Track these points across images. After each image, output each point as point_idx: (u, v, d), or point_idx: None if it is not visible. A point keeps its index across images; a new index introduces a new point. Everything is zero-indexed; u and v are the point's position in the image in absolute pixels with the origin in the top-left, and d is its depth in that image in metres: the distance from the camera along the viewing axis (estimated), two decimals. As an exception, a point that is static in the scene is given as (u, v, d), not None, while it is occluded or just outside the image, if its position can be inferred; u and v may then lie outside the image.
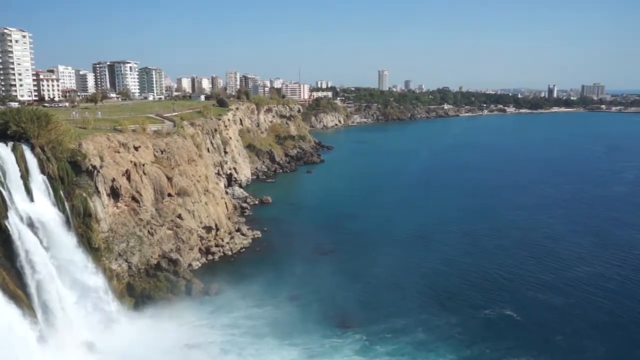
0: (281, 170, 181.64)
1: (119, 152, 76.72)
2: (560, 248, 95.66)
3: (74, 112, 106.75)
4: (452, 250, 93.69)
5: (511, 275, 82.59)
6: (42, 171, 61.63)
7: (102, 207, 69.95)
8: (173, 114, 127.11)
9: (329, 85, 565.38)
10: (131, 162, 77.98)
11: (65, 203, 63.54)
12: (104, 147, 74.87)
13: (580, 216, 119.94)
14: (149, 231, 77.85)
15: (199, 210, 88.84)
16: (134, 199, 76.96)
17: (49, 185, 61.53)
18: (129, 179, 76.85)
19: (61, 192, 62.97)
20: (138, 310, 67.43)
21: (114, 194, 73.38)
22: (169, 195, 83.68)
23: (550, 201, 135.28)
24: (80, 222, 66.16)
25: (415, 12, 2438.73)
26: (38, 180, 60.47)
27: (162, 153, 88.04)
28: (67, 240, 60.49)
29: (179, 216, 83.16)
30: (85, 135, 75.50)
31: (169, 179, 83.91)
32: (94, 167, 69.01)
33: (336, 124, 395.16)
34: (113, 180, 71.85)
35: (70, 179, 66.33)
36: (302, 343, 61.71)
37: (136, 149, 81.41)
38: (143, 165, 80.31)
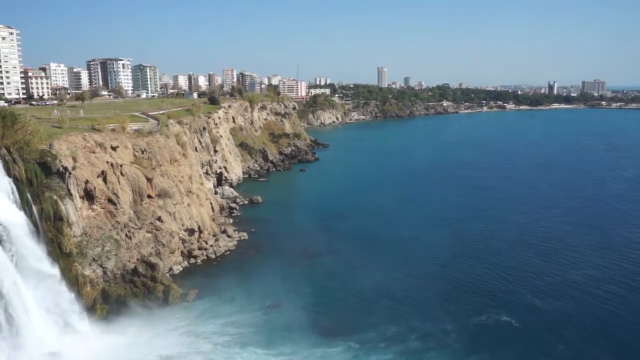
0: (274, 169, 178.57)
1: (94, 153, 73.71)
2: (558, 249, 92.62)
3: (55, 111, 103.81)
4: (446, 253, 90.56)
5: (508, 278, 79.53)
6: (8, 173, 58.60)
7: (75, 210, 66.97)
8: (160, 112, 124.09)
9: (328, 82, 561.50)
10: (108, 162, 74.95)
11: (33, 206, 60.56)
12: (79, 147, 71.90)
13: (579, 215, 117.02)
14: (126, 234, 74.89)
15: (181, 212, 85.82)
16: (110, 201, 73.95)
17: (14, 188, 58.43)
18: (105, 180, 73.88)
19: (28, 195, 59.92)
20: (111, 317, 64.39)
21: (88, 196, 70.41)
22: (149, 196, 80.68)
23: (549, 199, 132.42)
24: (51, 226, 63.23)
25: (415, 9, 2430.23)
26: (3, 183, 57.35)
27: (142, 153, 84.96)
28: (33, 246, 57.46)
29: (159, 218, 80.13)
30: (58, 135, 72.59)
31: (149, 180, 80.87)
32: (65, 168, 65.93)
33: (334, 121, 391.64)
34: (86, 182, 68.81)
35: (39, 181, 63.42)
36: (291, 352, 58.75)
37: (114, 149, 78.36)
38: (121, 165, 77.27)
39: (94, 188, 70.19)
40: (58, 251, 63.04)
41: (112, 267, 70.21)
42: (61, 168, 65.57)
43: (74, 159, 68.70)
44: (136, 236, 76.01)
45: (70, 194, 66.68)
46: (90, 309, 64.16)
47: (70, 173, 66.75)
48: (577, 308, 69.40)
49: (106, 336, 60.43)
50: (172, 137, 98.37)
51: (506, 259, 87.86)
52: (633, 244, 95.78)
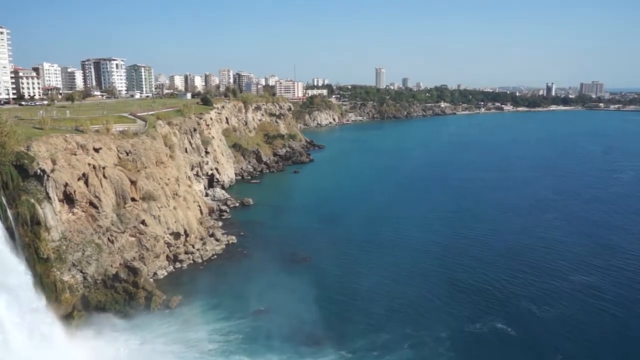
0: (268, 171, 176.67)
1: (75, 155, 71.64)
2: (555, 254, 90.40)
3: (41, 111, 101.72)
4: (440, 258, 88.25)
5: (503, 284, 77.35)
6: (-19, 176, 56.63)
7: (54, 214, 64.89)
8: (149, 112, 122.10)
9: (325, 83, 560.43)
10: (90, 165, 72.87)
11: (8, 211, 58.47)
12: (59, 149, 69.87)
13: (576, 219, 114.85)
14: (108, 239, 72.84)
15: (166, 216, 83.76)
16: (92, 204, 71.88)
17: (-12, 191, 56.45)
18: (86, 183, 71.80)
19: (3, 199, 57.84)
20: (90, 325, 62.15)
21: (68, 199, 68.35)
22: (133, 199, 78.59)
23: (545, 203, 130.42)
24: (27, 230, 61.12)
25: (414, 10, 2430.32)
26: (-24, 186, 55.41)
27: (127, 155, 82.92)
28: (6, 252, 55.35)
29: (143, 222, 78.08)
30: (38, 136, 70.60)
31: (133, 182, 78.80)
32: (43, 170, 63.87)
33: (330, 122, 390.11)
34: (66, 184, 66.74)
35: (15, 184, 61.22)
36: None
37: (96, 150, 76.31)
38: (103, 168, 75.19)
39: (74, 191, 68.13)
40: (35, 256, 60.92)
41: (93, 272, 68.16)
42: (39, 170, 63.53)
43: (53, 161, 66.64)
44: (119, 240, 73.99)
45: (49, 197, 64.61)
46: (68, 316, 62.15)
47: (48, 176, 64.71)
48: (576, 315, 67.29)
49: (83, 345, 58.34)
50: (160, 139, 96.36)
51: (502, 263, 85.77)
52: (633, 248, 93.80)
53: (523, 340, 61.33)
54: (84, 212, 71.12)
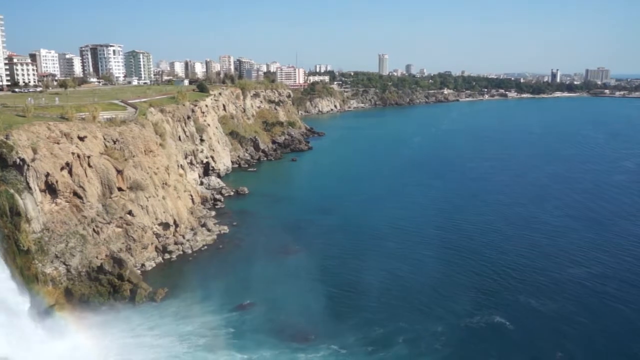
0: (265, 159, 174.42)
1: (58, 143, 69.54)
2: (554, 246, 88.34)
3: (29, 99, 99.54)
4: (435, 249, 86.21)
5: (501, 277, 75.45)
6: (-43, 166, 54.76)
7: (35, 205, 63.03)
8: (142, 100, 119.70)
9: (327, 70, 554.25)
10: (74, 153, 70.82)
11: (-15, 201, 56.71)
12: (41, 138, 67.86)
13: (577, 209, 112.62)
14: (94, 229, 71.08)
15: (155, 206, 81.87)
16: (76, 194, 69.98)
17: (-37, 182, 54.59)
18: (70, 172, 69.82)
19: (-21, 190, 56.05)
20: (72, 319, 60.66)
21: (51, 189, 66.40)
22: (120, 189, 76.67)
23: (545, 192, 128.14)
24: (7, 221, 59.39)
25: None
26: (-49, 177, 53.55)
27: (114, 143, 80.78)
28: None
29: (130, 212, 76.27)
30: (20, 124, 68.53)
31: (120, 171, 76.80)
32: (23, 160, 61.91)
33: (332, 109, 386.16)
34: (47, 174, 64.72)
35: (-6, 174, 59.42)
36: (271, 356, 55.34)
37: (81, 139, 74.24)
38: (88, 157, 73.16)
39: (57, 181, 66.15)
40: (15, 248, 59.36)
41: (77, 264, 66.47)
42: (18, 160, 61.63)
43: (34, 150, 64.66)
44: (105, 231, 72.21)
45: (29, 188, 62.74)
46: (50, 309, 60.60)
47: (28, 165, 62.74)
48: (577, 308, 65.45)
49: (64, 340, 56.85)
50: (149, 126, 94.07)
51: (501, 254, 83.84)
52: (635, 238, 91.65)
53: (521, 334, 59.76)
54: (67, 202, 69.25)
